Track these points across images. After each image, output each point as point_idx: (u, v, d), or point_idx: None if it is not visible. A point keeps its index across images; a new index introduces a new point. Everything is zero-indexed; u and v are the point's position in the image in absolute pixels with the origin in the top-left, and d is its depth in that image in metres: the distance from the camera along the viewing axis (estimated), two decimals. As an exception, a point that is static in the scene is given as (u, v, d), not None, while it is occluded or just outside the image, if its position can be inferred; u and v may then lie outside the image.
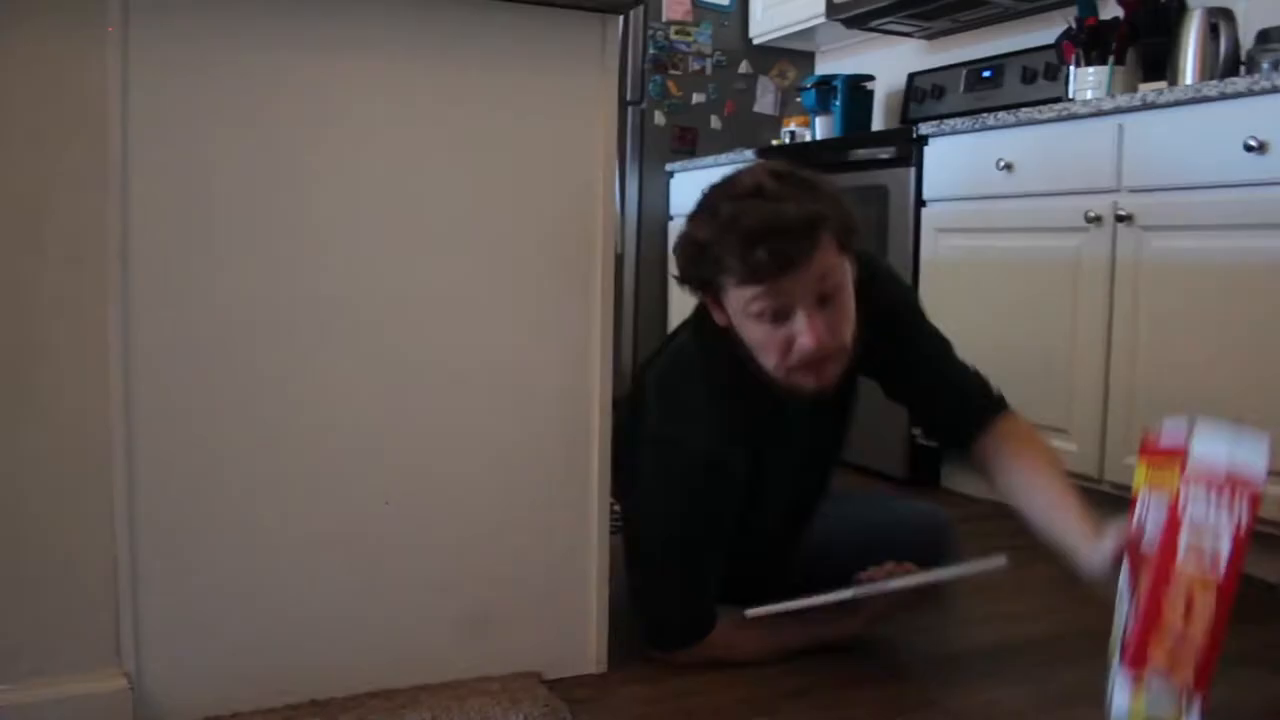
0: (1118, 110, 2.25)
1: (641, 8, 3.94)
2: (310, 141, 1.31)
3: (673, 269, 1.44)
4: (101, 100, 1.20)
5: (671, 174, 4.08)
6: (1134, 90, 2.58)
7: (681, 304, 4.00)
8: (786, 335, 1.34)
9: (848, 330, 1.38)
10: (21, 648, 1.24)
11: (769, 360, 1.38)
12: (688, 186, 3.99)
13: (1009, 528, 1.55)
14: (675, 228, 4.07)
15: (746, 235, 1.29)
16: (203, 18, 1.23)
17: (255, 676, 1.34)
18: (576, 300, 1.46)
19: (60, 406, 1.22)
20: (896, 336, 1.55)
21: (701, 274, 1.39)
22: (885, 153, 2.92)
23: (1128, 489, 2.24)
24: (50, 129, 1.19)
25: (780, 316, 1.33)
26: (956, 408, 1.57)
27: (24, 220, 1.19)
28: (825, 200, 1.34)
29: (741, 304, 1.35)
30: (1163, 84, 2.49)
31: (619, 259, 4.05)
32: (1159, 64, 2.60)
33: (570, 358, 1.47)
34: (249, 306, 1.29)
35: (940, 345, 1.62)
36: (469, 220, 1.40)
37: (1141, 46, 2.68)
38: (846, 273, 1.37)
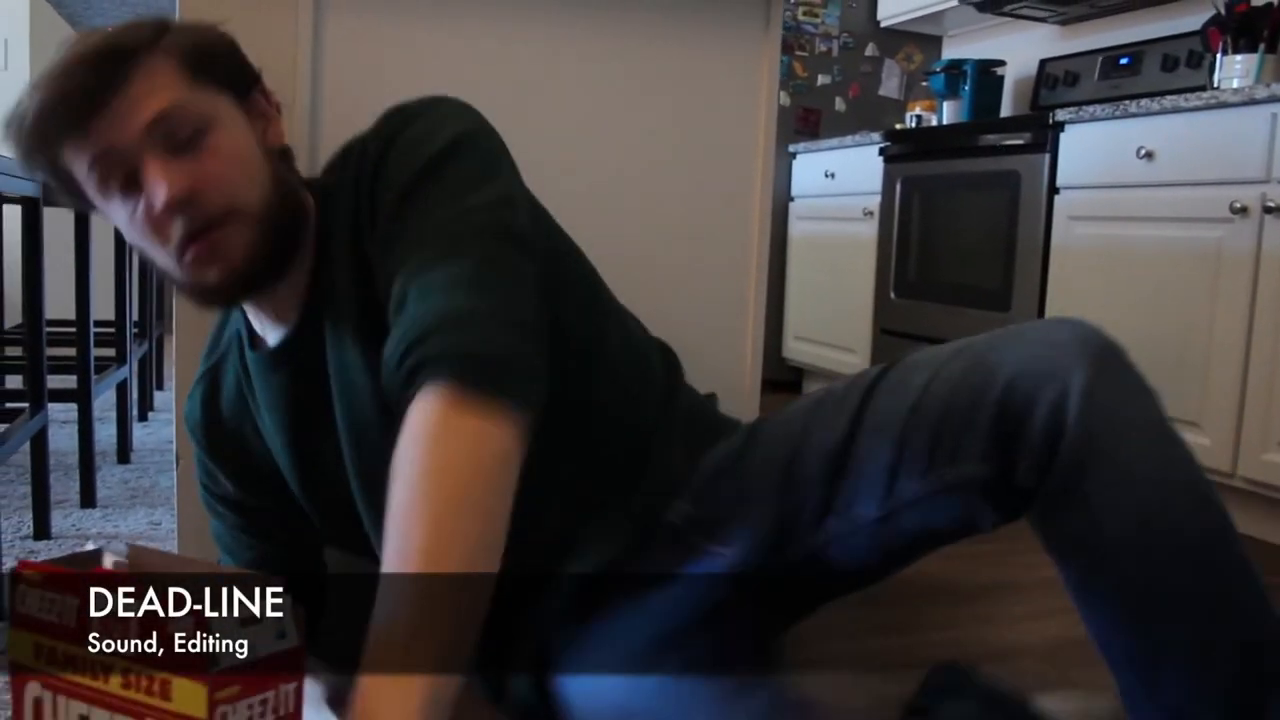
0: (1272, 99, 2.20)
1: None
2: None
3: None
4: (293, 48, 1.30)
5: (794, 155, 4.09)
6: (1286, 80, 2.52)
7: (800, 284, 4.02)
8: (145, 204, 0.94)
9: (241, 183, 0.97)
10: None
11: (156, 254, 0.98)
12: (810, 168, 4.00)
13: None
14: (795, 209, 4.09)
15: (40, 87, 0.93)
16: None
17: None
18: (732, 278, 1.50)
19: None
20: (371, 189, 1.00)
21: (38, 161, 0.99)
22: (1019, 139, 2.90)
23: (1261, 485, 2.23)
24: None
25: (130, 182, 0.95)
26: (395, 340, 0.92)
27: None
28: (157, 27, 0.97)
29: (89, 187, 0.97)
30: (1318, 73, 2.43)
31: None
32: (1314, 53, 2.53)
33: (726, 325, 1.51)
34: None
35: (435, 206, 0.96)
36: (637, 194, 1.45)
37: (1295, 34, 2.61)
38: (219, 109, 0.97)
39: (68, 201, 1.02)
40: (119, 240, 2.71)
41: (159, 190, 0.92)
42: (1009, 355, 0.92)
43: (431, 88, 1.30)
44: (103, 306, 2.62)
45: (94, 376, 2.23)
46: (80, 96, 0.91)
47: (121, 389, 2.64)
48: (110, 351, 2.68)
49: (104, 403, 2.89)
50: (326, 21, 1.30)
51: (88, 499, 2.18)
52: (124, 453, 2.62)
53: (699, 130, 1.47)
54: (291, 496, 1.14)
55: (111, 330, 2.69)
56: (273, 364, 1.07)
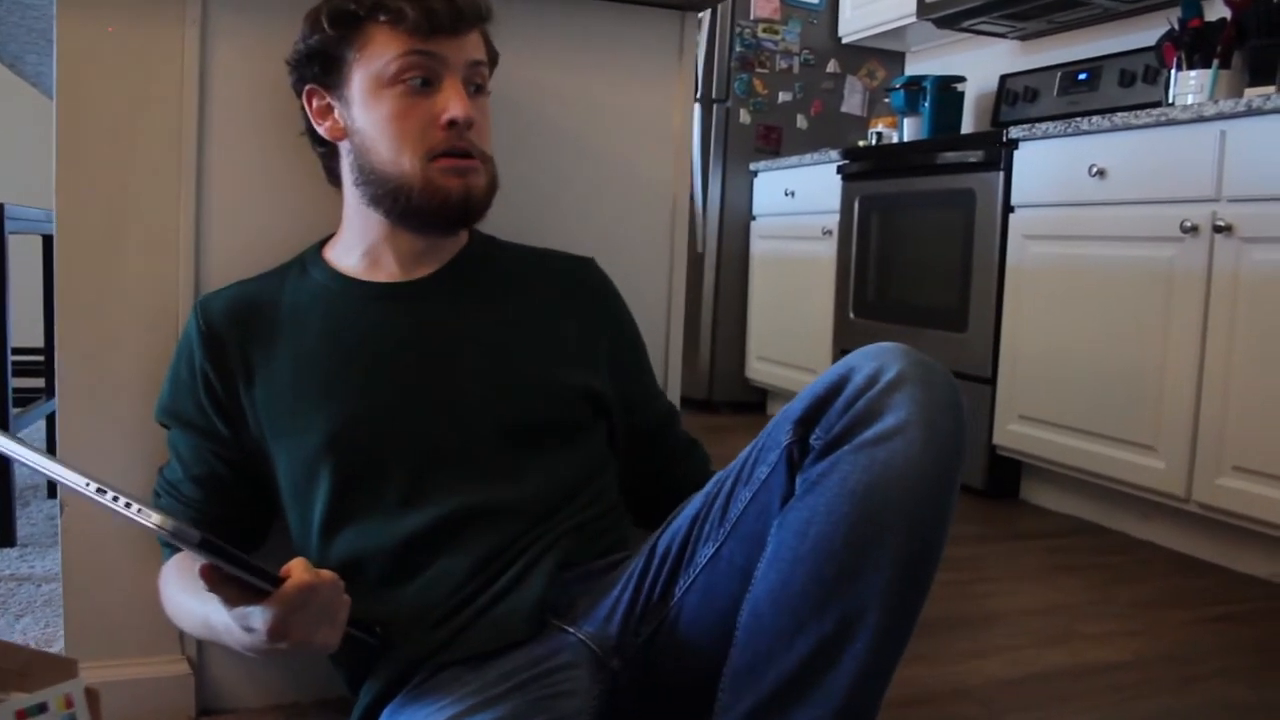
0: (1220, 116, 2.15)
1: (729, 4, 3.90)
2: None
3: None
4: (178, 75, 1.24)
5: (755, 173, 4.04)
6: (1239, 95, 2.48)
7: (762, 304, 3.97)
8: (431, 108, 1.12)
9: (488, 144, 1.19)
10: (88, 630, 1.28)
11: (407, 147, 1.12)
12: (770, 186, 3.95)
13: (1089, 544, 1.49)
14: (757, 228, 4.03)
15: None
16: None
17: (316, 670, 1.35)
18: (652, 294, 1.45)
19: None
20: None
21: (343, 23, 1.13)
22: (974, 156, 2.85)
23: (1216, 510, 2.18)
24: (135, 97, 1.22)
25: (428, 84, 1.12)
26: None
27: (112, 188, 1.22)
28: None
29: (381, 65, 1.11)
30: (1271, 89, 2.39)
31: (699, 257, 4.02)
32: (1268, 68, 2.49)
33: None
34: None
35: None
36: (549, 212, 1.40)
37: (1249, 49, 2.56)
38: (487, 86, 1.21)
39: (308, 70, 1.16)
40: (48, 262, 2.63)
41: (459, 105, 1.12)
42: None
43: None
44: (33, 334, 2.55)
45: (13, 409, 2.15)
46: (446, 18, 1.11)
47: (53, 420, 2.56)
48: (39, 382, 2.60)
49: (35, 434, 2.82)
50: (214, 35, 1.24)
51: (6, 538, 2.09)
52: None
53: (609, 163, 1.41)
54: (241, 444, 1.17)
55: (41, 359, 2.61)
56: (394, 294, 1.19)
